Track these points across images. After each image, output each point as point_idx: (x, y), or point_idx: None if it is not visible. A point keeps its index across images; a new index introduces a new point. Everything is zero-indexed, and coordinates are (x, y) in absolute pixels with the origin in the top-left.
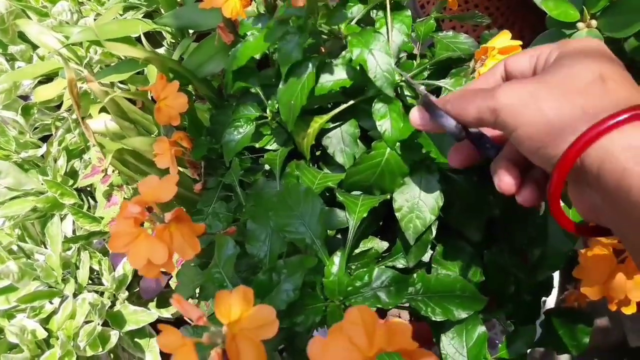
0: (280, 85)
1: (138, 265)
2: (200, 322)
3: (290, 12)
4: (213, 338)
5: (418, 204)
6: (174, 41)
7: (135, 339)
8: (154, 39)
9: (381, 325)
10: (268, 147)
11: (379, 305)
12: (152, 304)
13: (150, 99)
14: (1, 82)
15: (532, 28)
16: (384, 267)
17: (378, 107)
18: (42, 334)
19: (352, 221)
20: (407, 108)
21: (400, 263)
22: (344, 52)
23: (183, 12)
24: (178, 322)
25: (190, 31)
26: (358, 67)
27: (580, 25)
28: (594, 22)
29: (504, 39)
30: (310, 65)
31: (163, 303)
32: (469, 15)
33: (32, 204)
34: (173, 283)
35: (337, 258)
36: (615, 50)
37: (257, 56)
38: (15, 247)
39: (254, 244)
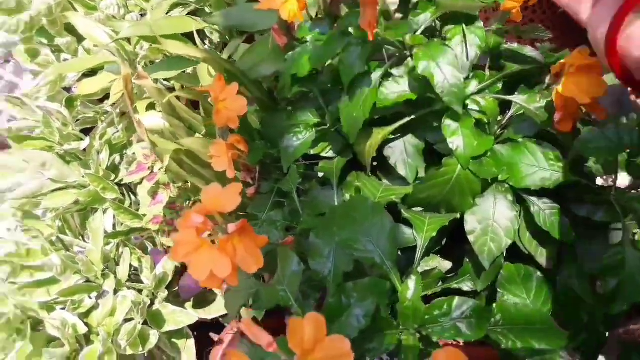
0: (342, 98)
1: (200, 276)
2: (271, 349)
3: (353, 21)
4: None
5: (492, 226)
6: (218, 41)
7: (173, 339)
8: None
9: None
10: (323, 155)
11: (459, 338)
12: (188, 304)
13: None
14: (48, 74)
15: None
16: (463, 297)
17: (448, 123)
18: (82, 328)
19: (421, 241)
20: (479, 124)
21: (467, 286)
22: (407, 61)
23: (234, 12)
24: (216, 324)
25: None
26: (422, 80)
27: None
28: None
29: (581, 55)
30: (372, 78)
31: (200, 304)
32: (531, 28)
33: (74, 196)
34: None
35: (411, 282)
36: None
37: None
38: (54, 239)
39: (317, 260)
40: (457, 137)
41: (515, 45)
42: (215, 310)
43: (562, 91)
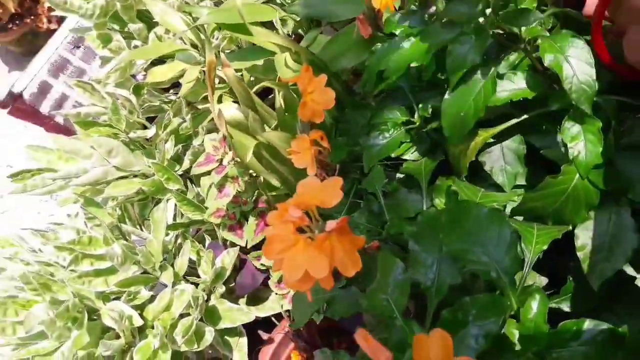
0: (447, 95)
1: (294, 276)
2: None
3: (459, 10)
4: None
5: (607, 244)
6: (292, 31)
7: (226, 337)
8: (268, 27)
9: None
10: (405, 157)
11: None
12: (241, 300)
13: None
14: (121, 60)
15: None
16: (596, 320)
17: (569, 125)
18: (138, 321)
19: (529, 254)
20: (605, 128)
21: (567, 306)
22: (514, 59)
23: (317, 1)
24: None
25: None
26: (541, 76)
27: None
28: None
29: None
30: (489, 70)
31: (252, 300)
32: None
33: (137, 185)
34: (271, 283)
35: (535, 302)
36: None
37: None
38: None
39: (419, 269)
40: (578, 142)
41: None
42: (269, 308)
43: None
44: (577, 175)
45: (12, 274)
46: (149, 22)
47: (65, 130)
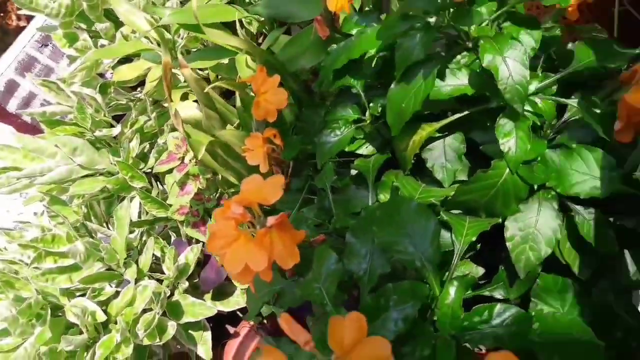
0: (392, 86)
1: (234, 269)
2: (308, 347)
3: (419, 4)
4: None
5: (533, 234)
6: (256, 31)
7: (190, 331)
8: (232, 26)
9: None
10: (359, 152)
11: (497, 346)
12: (207, 296)
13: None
14: (87, 59)
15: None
16: (502, 301)
17: (503, 122)
18: (101, 317)
19: (459, 245)
20: (533, 127)
21: (499, 294)
22: (458, 57)
23: (277, 2)
24: (231, 317)
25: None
26: (482, 74)
27: None
28: None
29: None
30: (430, 66)
31: (218, 296)
32: (588, 28)
33: (102, 184)
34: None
35: (452, 288)
36: None
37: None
38: (78, 226)
39: (353, 260)
40: (510, 139)
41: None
42: (234, 303)
43: (630, 99)
44: (507, 170)
45: None
46: (117, 20)
47: (33, 128)
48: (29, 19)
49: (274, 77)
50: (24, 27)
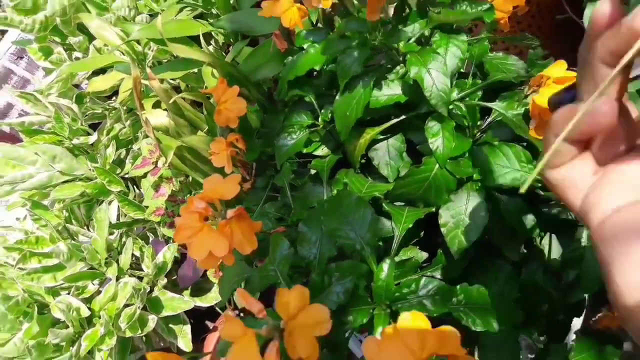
0: (337, 97)
1: (199, 256)
2: (261, 315)
3: (353, 27)
4: (271, 331)
5: (464, 221)
6: (224, 42)
7: (170, 325)
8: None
9: (433, 331)
10: (316, 153)
11: (424, 313)
12: (186, 292)
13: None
14: (62, 72)
15: (571, 49)
16: (430, 277)
17: (431, 125)
18: (85, 312)
19: (398, 231)
20: (459, 127)
21: (439, 275)
22: (397, 68)
23: (239, 17)
24: (212, 313)
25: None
26: (413, 84)
27: None
28: None
29: (559, 68)
30: (367, 79)
31: (197, 292)
32: (519, 37)
33: (81, 188)
34: (210, 274)
35: (385, 265)
36: None
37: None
38: (60, 229)
39: (305, 246)
40: (437, 139)
41: (500, 55)
42: (212, 298)
43: (538, 101)
44: (437, 165)
45: None
46: (89, 34)
47: (12, 138)
48: (3, 33)
49: (234, 88)
50: None
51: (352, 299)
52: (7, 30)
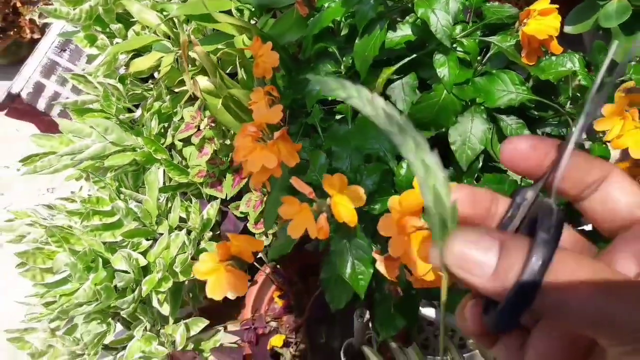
0: (357, 41)
1: (255, 168)
2: (311, 195)
3: None
4: (321, 206)
5: (469, 138)
6: (249, 17)
7: None
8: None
9: None
10: (339, 99)
11: None
12: None
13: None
14: (109, 53)
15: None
16: None
17: (438, 57)
18: (143, 261)
19: None
20: (462, 61)
21: None
22: (407, 18)
23: None
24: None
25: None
26: (421, 25)
27: None
28: None
29: (543, 2)
30: (382, 22)
31: None
32: None
33: (131, 157)
34: (250, 226)
35: (404, 164)
36: None
37: (337, 18)
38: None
39: (338, 161)
40: (444, 68)
41: (496, 4)
42: None
43: (526, 30)
44: (445, 91)
45: (34, 237)
46: (126, 22)
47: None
48: (42, 31)
49: (268, 43)
50: (38, 39)
51: (379, 189)
52: (44, 30)
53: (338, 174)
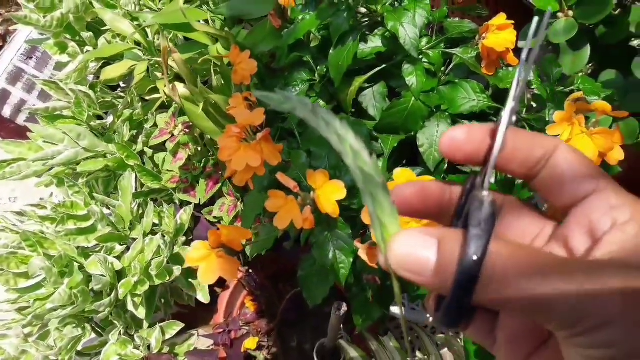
0: (331, 51)
1: (239, 167)
2: (296, 189)
3: None
4: (305, 199)
5: (436, 141)
6: (221, 27)
7: (189, 280)
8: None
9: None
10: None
11: None
12: None
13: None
14: (82, 60)
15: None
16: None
17: (407, 67)
18: (118, 265)
19: (386, 149)
20: (428, 72)
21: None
22: (376, 31)
23: (236, 3)
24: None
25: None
26: (390, 38)
27: (560, 15)
28: (570, 12)
29: (500, 18)
30: (354, 34)
31: None
32: (471, 7)
33: (103, 163)
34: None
35: (380, 162)
36: (588, 35)
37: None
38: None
39: (318, 160)
40: (412, 77)
41: (457, 20)
42: None
43: (486, 43)
44: (413, 98)
45: (4, 242)
46: (96, 30)
47: (23, 134)
48: (4, 39)
49: (246, 52)
50: (1, 47)
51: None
52: (7, 37)
53: (320, 170)
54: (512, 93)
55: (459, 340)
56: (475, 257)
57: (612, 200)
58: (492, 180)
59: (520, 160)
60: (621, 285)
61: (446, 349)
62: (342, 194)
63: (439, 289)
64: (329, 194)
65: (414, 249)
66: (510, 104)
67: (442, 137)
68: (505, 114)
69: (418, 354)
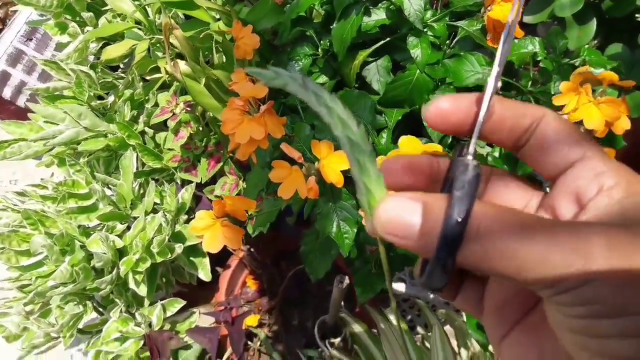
0: (334, 24)
1: (243, 140)
2: (300, 160)
3: None
4: (310, 169)
5: None
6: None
7: (191, 258)
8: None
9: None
10: (317, 81)
11: None
12: None
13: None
14: (83, 39)
15: None
16: None
17: (411, 39)
18: (119, 243)
19: (390, 122)
20: (434, 45)
21: None
22: (380, 3)
23: None
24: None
25: None
26: (394, 10)
27: None
28: None
29: None
30: (358, 7)
31: None
32: None
33: (104, 142)
34: None
35: (385, 134)
36: (594, 9)
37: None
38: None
39: (321, 133)
40: (417, 49)
41: None
42: None
43: (491, 15)
44: (418, 71)
45: (6, 221)
46: (97, 11)
47: (23, 115)
48: (4, 22)
49: (248, 26)
50: (1, 29)
51: None
52: (6, 20)
53: (325, 141)
54: (497, 58)
55: (460, 316)
56: (459, 218)
57: (598, 167)
58: (497, 154)
59: (508, 129)
60: (605, 241)
61: (448, 326)
62: (346, 164)
63: (425, 252)
64: (334, 164)
65: (399, 213)
66: (495, 69)
67: (428, 107)
68: (491, 80)
69: (419, 329)
